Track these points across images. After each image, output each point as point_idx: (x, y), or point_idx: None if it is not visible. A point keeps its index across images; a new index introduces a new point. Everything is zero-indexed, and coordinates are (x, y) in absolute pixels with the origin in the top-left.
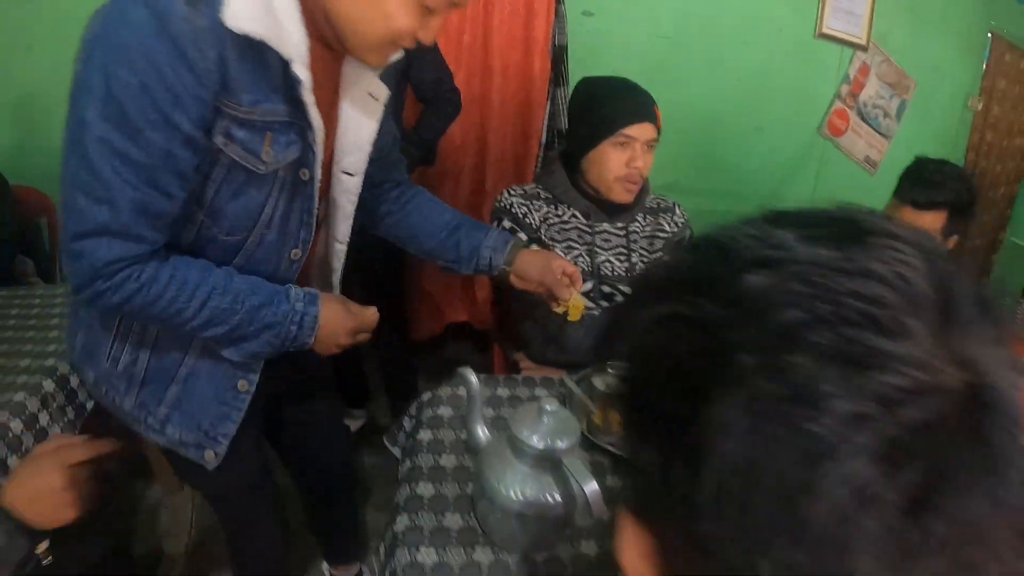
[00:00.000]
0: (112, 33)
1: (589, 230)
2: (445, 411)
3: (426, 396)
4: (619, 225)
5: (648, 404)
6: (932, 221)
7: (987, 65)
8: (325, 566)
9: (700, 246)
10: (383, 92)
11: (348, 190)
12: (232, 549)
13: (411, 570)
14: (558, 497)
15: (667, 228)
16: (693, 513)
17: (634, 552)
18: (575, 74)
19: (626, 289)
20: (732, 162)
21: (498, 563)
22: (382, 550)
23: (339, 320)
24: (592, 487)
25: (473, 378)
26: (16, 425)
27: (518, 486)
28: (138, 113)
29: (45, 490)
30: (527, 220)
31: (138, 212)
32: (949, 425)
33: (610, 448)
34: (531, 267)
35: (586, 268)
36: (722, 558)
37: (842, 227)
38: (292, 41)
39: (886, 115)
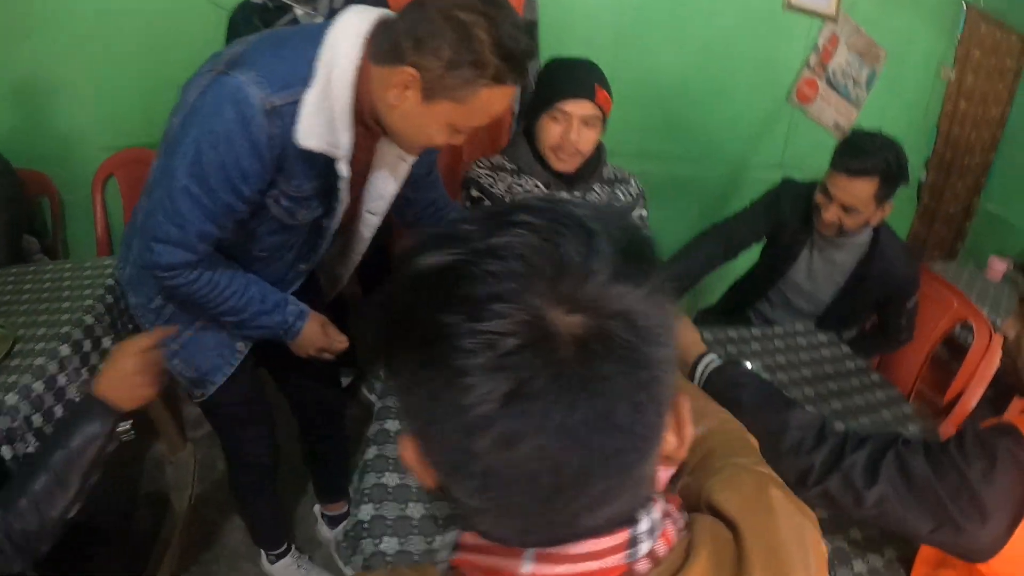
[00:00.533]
0: (208, 118)
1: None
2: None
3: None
4: (576, 194)
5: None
6: (864, 187)
7: (961, 36)
8: (317, 507)
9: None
10: (412, 156)
11: (368, 225)
12: (226, 457)
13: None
14: None
15: (622, 198)
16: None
17: (410, 454)
18: (547, 49)
19: None
20: (699, 128)
21: None
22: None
23: (314, 338)
24: None
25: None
26: (38, 386)
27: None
28: (215, 180)
29: (123, 374)
30: (493, 190)
31: (199, 236)
32: (537, 349)
33: None
34: None
35: None
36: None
37: (499, 215)
38: (342, 145)
39: (856, 84)
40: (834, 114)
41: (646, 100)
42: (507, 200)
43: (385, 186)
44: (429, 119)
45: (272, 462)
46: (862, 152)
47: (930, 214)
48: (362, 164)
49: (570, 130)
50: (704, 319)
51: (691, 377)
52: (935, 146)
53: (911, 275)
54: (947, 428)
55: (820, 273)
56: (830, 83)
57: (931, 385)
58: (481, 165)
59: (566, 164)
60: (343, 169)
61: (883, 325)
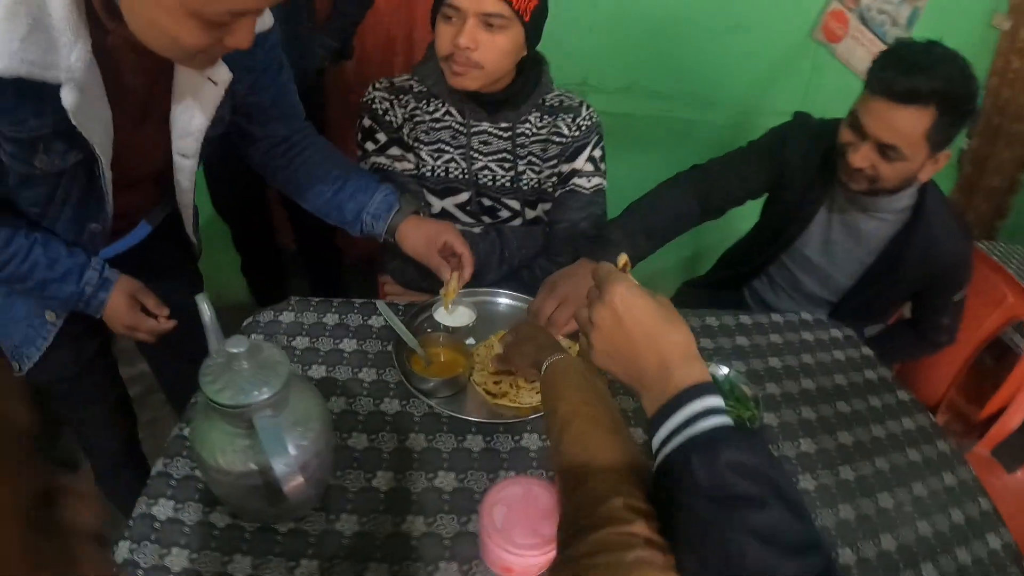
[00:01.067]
0: None
1: (464, 130)
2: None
3: (265, 316)
4: (503, 125)
5: None
6: (913, 120)
7: None
8: None
9: None
10: (224, 76)
11: (182, 168)
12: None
13: None
14: (253, 465)
15: (565, 132)
16: None
17: None
18: None
19: (512, 203)
20: (704, 64)
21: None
22: None
23: (120, 313)
24: (280, 459)
25: (206, 306)
26: None
27: (216, 449)
28: None
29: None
30: (387, 118)
31: None
32: None
33: (421, 391)
34: (414, 242)
35: (461, 176)
36: None
37: None
38: (64, 64)
39: (894, 23)
40: (866, 56)
41: (638, 26)
42: (405, 131)
43: (190, 119)
44: (155, 4)
45: (121, 448)
46: (915, 68)
47: (970, 185)
48: (152, 92)
49: (462, 32)
50: (686, 296)
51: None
52: (982, 107)
53: (963, 259)
54: (980, 450)
55: (840, 246)
56: (863, 19)
57: (966, 395)
58: (379, 86)
59: (463, 79)
60: (68, 98)
61: (917, 321)
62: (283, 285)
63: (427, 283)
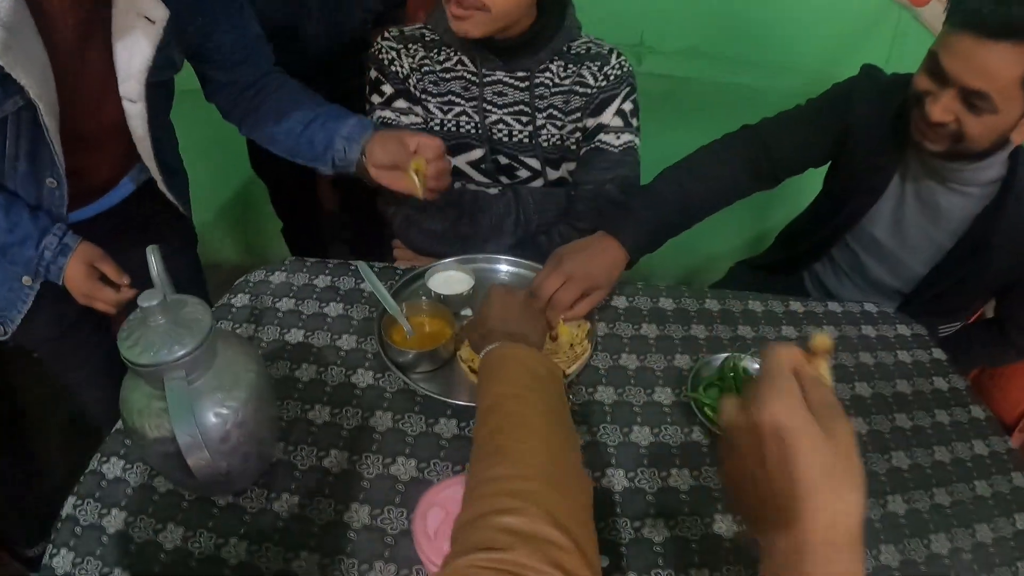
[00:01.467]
0: None
1: (476, 80)
2: (243, 299)
3: (256, 275)
4: (520, 75)
5: None
6: (1007, 60)
7: None
8: None
9: None
10: (160, 13)
11: (133, 115)
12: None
13: None
14: (166, 431)
15: (590, 82)
16: None
17: None
18: None
19: (531, 162)
20: (774, 27)
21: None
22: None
23: (78, 282)
24: (183, 428)
25: (154, 259)
26: None
27: (135, 411)
28: None
29: None
30: (393, 68)
31: None
32: None
33: (397, 364)
34: (382, 149)
35: (473, 130)
36: None
37: None
38: None
39: None
40: None
41: None
42: (411, 82)
43: (129, 60)
44: None
45: (112, 409)
46: None
47: None
48: (88, 34)
49: None
50: (738, 278)
51: None
52: None
53: None
54: None
55: (913, 225)
56: None
57: None
58: (388, 36)
59: (465, 24)
60: None
61: (1002, 320)
62: (323, 249)
63: (441, 247)
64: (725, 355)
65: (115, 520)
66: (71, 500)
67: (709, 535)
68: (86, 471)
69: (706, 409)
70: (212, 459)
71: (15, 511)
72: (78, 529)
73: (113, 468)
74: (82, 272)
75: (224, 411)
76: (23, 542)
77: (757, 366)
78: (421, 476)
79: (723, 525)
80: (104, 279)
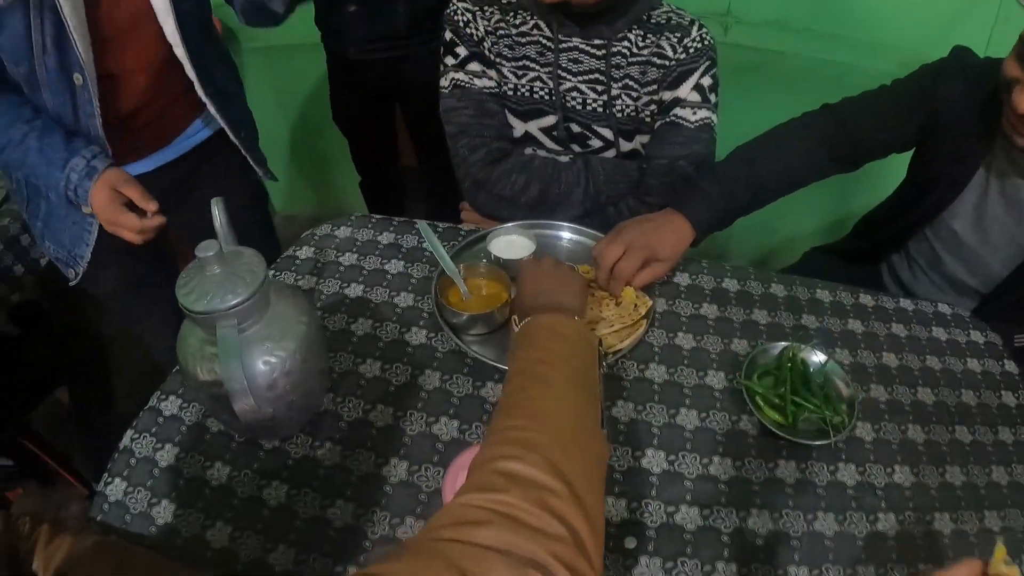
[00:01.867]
0: None
1: (552, 46)
2: (307, 251)
3: (323, 229)
4: (596, 42)
5: None
6: None
7: None
8: None
9: None
10: None
11: (160, 12)
12: None
13: None
14: (215, 375)
15: (669, 53)
16: None
17: None
18: None
19: (604, 132)
20: (867, 2)
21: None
22: None
23: (102, 207)
24: (231, 374)
25: (218, 211)
26: None
27: (189, 354)
28: None
29: None
30: (468, 30)
31: None
32: None
33: (450, 325)
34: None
35: (547, 97)
36: None
37: None
38: None
39: None
40: None
41: None
42: (486, 45)
43: None
44: None
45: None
46: None
47: None
48: None
49: None
50: (814, 263)
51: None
52: None
53: None
54: None
55: (997, 221)
56: None
57: None
58: None
59: None
60: None
61: None
62: (399, 205)
63: (507, 212)
64: (785, 344)
65: (167, 455)
66: (129, 433)
67: (742, 529)
68: (145, 407)
69: (757, 399)
70: (258, 405)
71: (90, 446)
72: (133, 461)
73: (170, 406)
74: (106, 196)
75: (272, 360)
76: (93, 477)
77: (816, 358)
78: (462, 438)
79: (758, 521)
80: (133, 207)
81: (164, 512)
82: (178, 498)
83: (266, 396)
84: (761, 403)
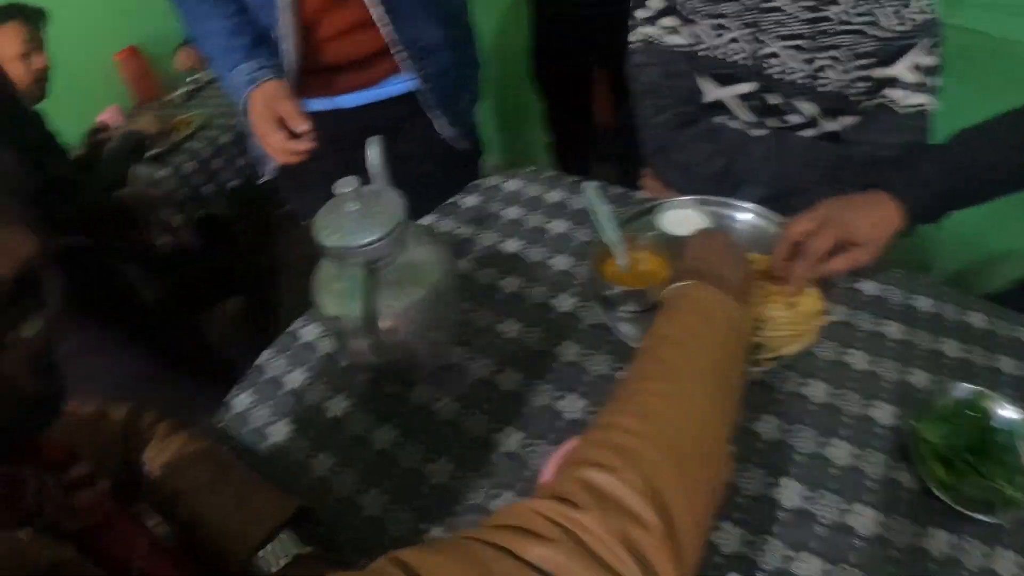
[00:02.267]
0: None
1: (755, 5)
2: (471, 200)
3: (491, 181)
4: (806, 4)
5: None
6: None
7: None
8: None
9: None
10: None
11: None
12: None
13: None
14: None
15: (884, 24)
16: None
17: None
18: None
19: (806, 107)
20: None
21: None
22: None
23: (255, 117)
24: (351, 313)
25: (374, 150)
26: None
27: (322, 288)
28: None
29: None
30: None
31: None
32: None
33: (600, 297)
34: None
35: (743, 61)
36: None
37: None
38: None
39: None
40: None
41: None
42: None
43: None
44: None
45: None
46: None
47: None
48: None
49: None
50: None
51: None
52: None
53: None
54: None
55: None
56: None
57: None
58: None
59: None
60: None
61: None
62: (588, 168)
63: (686, 183)
64: (973, 387)
65: (294, 378)
66: (266, 353)
67: None
68: (286, 330)
69: (922, 447)
70: (376, 348)
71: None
72: (263, 378)
73: (308, 334)
74: (257, 108)
75: (395, 304)
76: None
77: (1006, 412)
78: (586, 419)
79: None
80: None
81: (277, 432)
82: (294, 421)
83: (385, 340)
84: (926, 454)
